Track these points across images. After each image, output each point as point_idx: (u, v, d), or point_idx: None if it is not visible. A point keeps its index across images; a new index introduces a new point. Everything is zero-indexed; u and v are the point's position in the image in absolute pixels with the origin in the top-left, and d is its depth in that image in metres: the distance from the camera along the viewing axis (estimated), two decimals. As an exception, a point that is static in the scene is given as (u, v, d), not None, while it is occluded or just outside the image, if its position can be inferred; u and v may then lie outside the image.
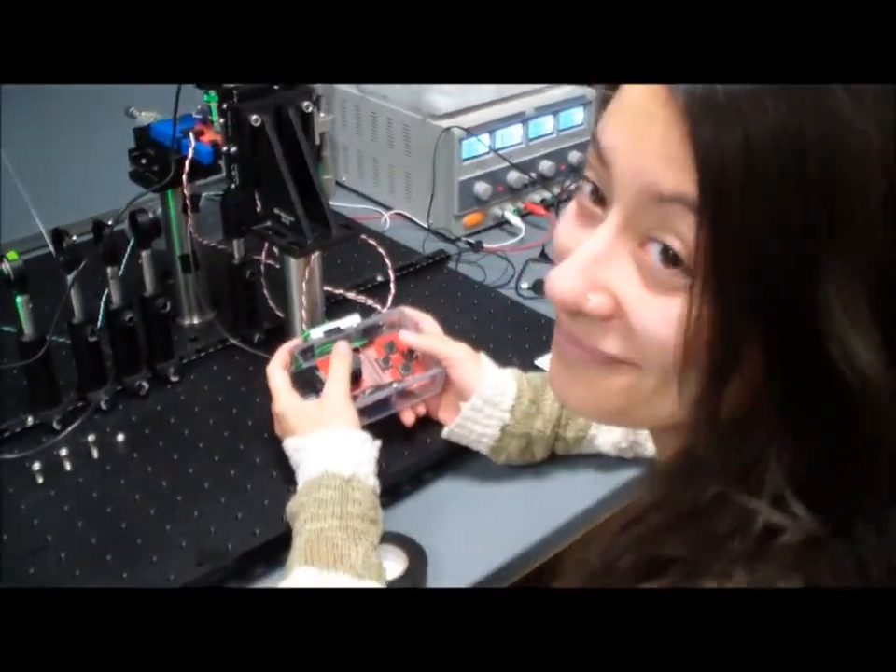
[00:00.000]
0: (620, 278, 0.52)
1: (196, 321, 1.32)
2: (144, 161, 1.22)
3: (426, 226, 1.58)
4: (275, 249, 1.18)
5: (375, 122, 1.62)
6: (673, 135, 0.48)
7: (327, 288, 1.34)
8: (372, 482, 0.96)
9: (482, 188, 1.53)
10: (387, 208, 1.65)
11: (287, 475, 1.02)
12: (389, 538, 0.98)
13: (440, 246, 1.52)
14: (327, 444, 0.97)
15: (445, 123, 1.48)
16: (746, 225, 0.46)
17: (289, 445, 1.01)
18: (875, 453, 0.48)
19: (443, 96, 1.48)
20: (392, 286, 1.35)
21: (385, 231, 1.59)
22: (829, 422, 0.49)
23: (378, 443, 1.00)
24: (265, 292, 1.30)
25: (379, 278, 1.39)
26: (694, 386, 0.51)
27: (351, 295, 1.36)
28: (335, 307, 1.34)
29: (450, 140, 1.48)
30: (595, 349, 0.55)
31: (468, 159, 1.50)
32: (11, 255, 1.04)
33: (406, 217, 1.62)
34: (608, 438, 1.08)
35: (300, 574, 0.86)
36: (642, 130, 0.50)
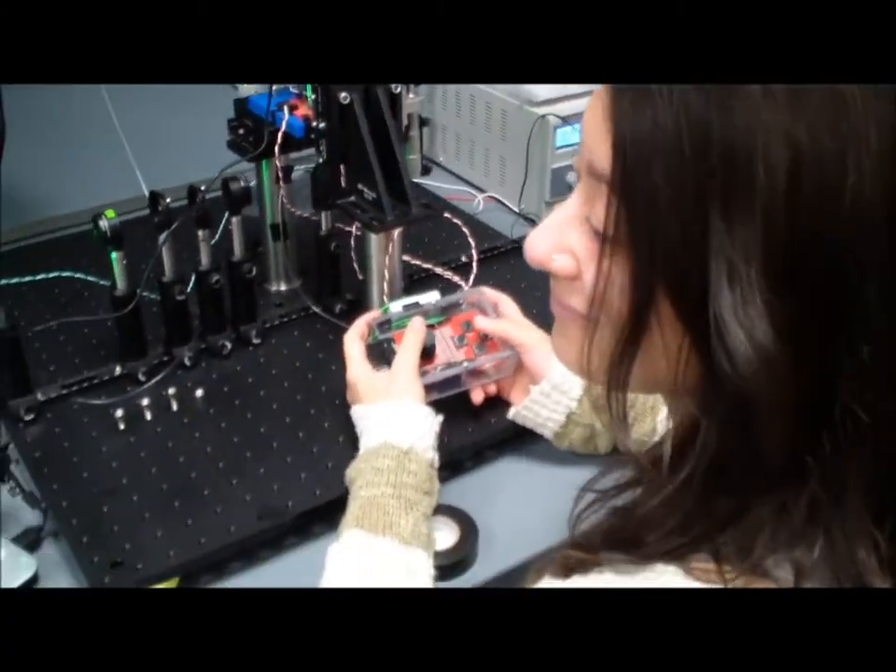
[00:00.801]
0: (578, 242, 0.57)
1: (282, 288, 1.37)
2: (241, 132, 1.26)
3: (517, 210, 1.60)
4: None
5: (474, 106, 1.64)
6: (605, 115, 0.52)
7: (414, 262, 1.37)
8: (430, 455, 0.98)
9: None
10: (481, 190, 1.67)
11: (352, 441, 1.05)
12: (444, 510, 1.00)
13: (529, 231, 1.53)
14: (389, 415, 1.00)
15: (542, 111, 1.49)
16: (649, 197, 0.50)
17: (355, 413, 1.04)
18: (758, 435, 0.50)
19: (541, 84, 1.49)
20: (475, 266, 1.37)
21: (477, 213, 1.61)
22: (720, 398, 0.51)
23: (440, 418, 1.02)
24: (354, 265, 1.34)
25: (464, 258, 1.41)
26: (609, 347, 0.55)
27: (437, 271, 1.38)
28: (419, 282, 1.37)
29: (545, 127, 1.49)
30: (568, 305, 0.60)
31: (561, 147, 1.51)
32: (109, 213, 1.10)
33: (498, 201, 1.64)
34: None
35: (349, 536, 0.89)
36: (592, 109, 0.54)
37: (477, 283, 1.34)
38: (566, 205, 0.59)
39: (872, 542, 0.52)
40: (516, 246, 1.47)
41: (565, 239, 0.58)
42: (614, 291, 0.54)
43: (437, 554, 0.94)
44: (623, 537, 0.59)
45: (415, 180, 1.37)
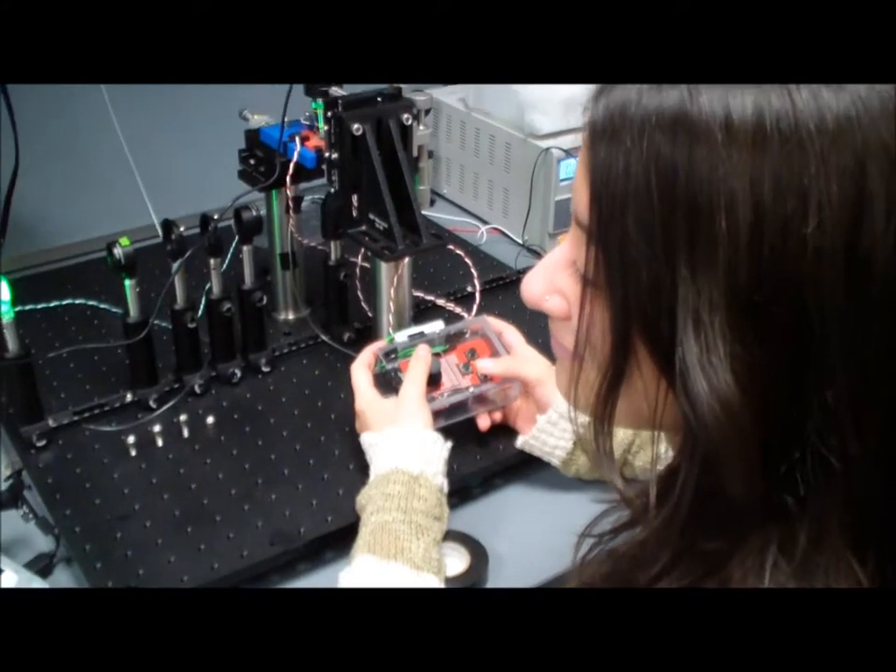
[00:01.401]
0: (567, 285, 0.61)
1: (291, 317, 1.39)
2: (252, 162, 1.28)
3: (520, 242, 1.62)
4: (368, 252, 1.23)
5: (478, 138, 1.67)
6: (582, 162, 0.55)
7: (417, 294, 1.39)
8: (440, 481, 0.99)
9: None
10: (485, 222, 1.70)
11: (362, 468, 1.06)
12: (454, 536, 1.01)
13: (532, 263, 1.55)
14: (399, 442, 1.01)
15: (545, 144, 1.52)
16: (622, 245, 0.52)
17: (365, 440, 1.06)
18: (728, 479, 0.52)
19: (544, 117, 1.52)
20: (478, 296, 1.39)
21: (481, 244, 1.63)
22: (694, 442, 0.53)
23: (449, 444, 1.03)
24: (359, 294, 1.35)
25: (468, 289, 1.43)
26: (594, 385, 0.58)
27: (440, 302, 1.40)
28: (424, 313, 1.38)
29: (549, 160, 1.52)
30: (563, 345, 0.63)
31: (565, 179, 1.53)
32: (123, 241, 1.11)
33: (502, 233, 1.66)
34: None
35: (361, 561, 0.90)
36: (580, 157, 0.57)
37: (481, 313, 1.36)
38: (559, 249, 0.62)
39: (854, 580, 0.53)
40: (520, 277, 1.48)
41: (557, 281, 0.62)
42: (596, 332, 0.57)
43: (447, 580, 0.95)
44: (620, 579, 0.61)
45: (427, 205, 1.39)
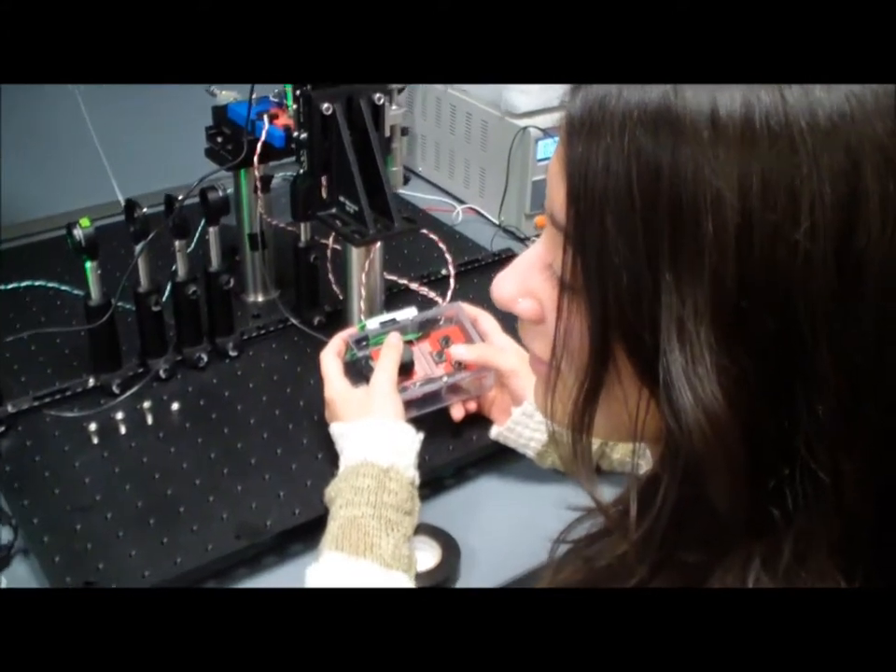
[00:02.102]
0: (542, 288, 0.57)
1: (260, 299, 1.35)
2: (219, 140, 1.25)
3: (497, 222, 1.59)
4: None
5: (455, 116, 1.63)
6: (559, 158, 0.52)
7: (390, 278, 1.36)
8: (411, 473, 0.97)
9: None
10: (461, 202, 1.66)
11: (331, 459, 1.04)
12: (425, 529, 0.99)
13: (508, 244, 1.53)
14: (369, 433, 0.98)
15: (523, 122, 1.48)
16: (601, 247, 0.49)
17: (334, 430, 1.03)
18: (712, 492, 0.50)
19: (522, 95, 1.48)
20: (452, 281, 1.36)
21: (456, 224, 1.60)
22: (676, 454, 0.50)
23: (421, 436, 1.01)
24: (329, 276, 1.32)
25: (443, 272, 1.40)
26: (571, 394, 0.55)
27: (413, 286, 1.37)
28: (397, 297, 1.35)
29: (526, 139, 1.48)
30: (532, 352, 0.61)
31: (542, 160, 1.50)
32: (83, 221, 1.07)
33: (478, 213, 1.63)
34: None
35: (329, 558, 0.88)
36: (555, 156, 0.53)
37: (456, 297, 1.33)
38: (532, 250, 0.59)
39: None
40: (496, 259, 1.46)
41: (530, 283, 0.58)
42: (574, 339, 0.54)
43: (418, 576, 0.92)
44: (595, 588, 0.59)
45: (400, 187, 1.36)
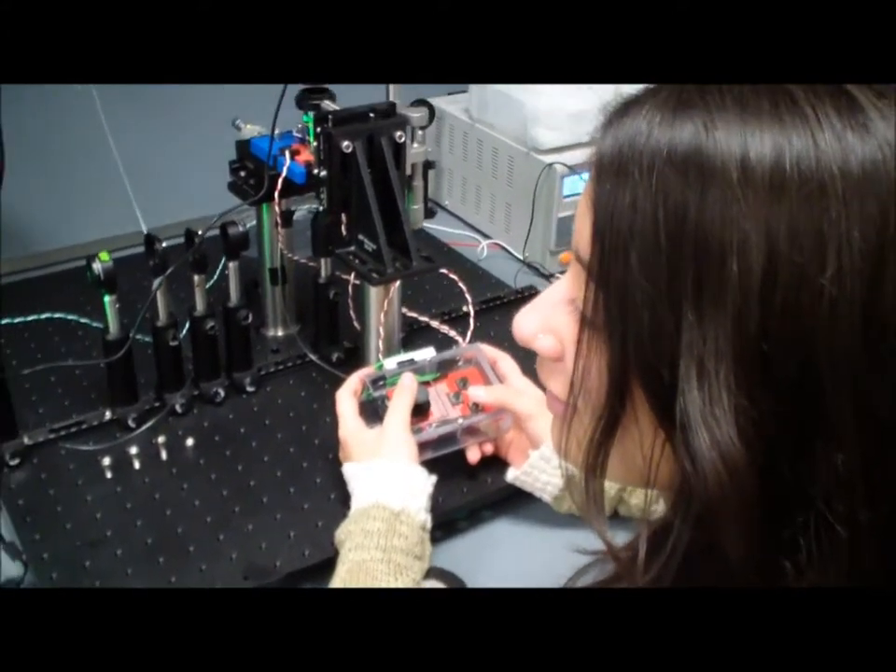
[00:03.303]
0: (564, 325, 0.57)
1: (280, 333, 1.35)
2: (242, 174, 1.24)
3: (521, 258, 1.58)
4: (357, 273, 1.19)
5: (481, 151, 1.62)
6: (587, 195, 0.52)
7: (411, 314, 1.35)
8: (423, 517, 0.96)
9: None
10: (486, 236, 1.66)
11: (344, 499, 1.02)
12: (435, 573, 0.97)
13: (532, 281, 1.52)
14: (381, 475, 0.97)
15: (549, 159, 1.48)
16: (624, 285, 0.49)
17: (346, 471, 1.02)
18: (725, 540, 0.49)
19: (549, 131, 1.48)
20: (472, 320, 1.35)
21: (481, 259, 1.59)
22: (690, 500, 0.49)
23: (433, 478, 0.99)
24: (350, 312, 1.31)
25: (464, 309, 1.39)
26: (586, 434, 0.54)
27: (434, 324, 1.36)
28: (416, 333, 1.34)
29: (552, 176, 1.47)
30: (549, 390, 0.60)
31: (568, 196, 1.49)
32: (103, 255, 1.07)
33: (503, 248, 1.62)
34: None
35: (336, 603, 0.87)
36: (583, 193, 0.53)
37: (476, 335, 1.32)
38: (556, 286, 0.58)
39: None
40: (518, 297, 1.44)
41: (552, 320, 0.58)
42: (592, 377, 0.53)
43: (426, 623, 0.91)
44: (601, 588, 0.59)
45: (420, 225, 1.35)
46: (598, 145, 0.51)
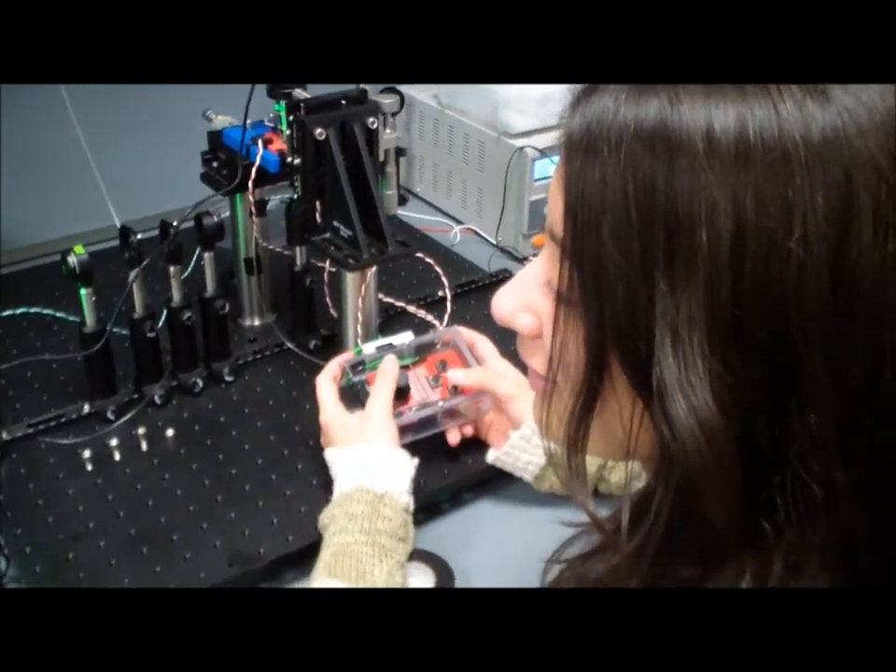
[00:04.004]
0: (541, 303, 0.58)
1: (256, 323, 1.35)
2: (215, 165, 1.24)
3: (494, 242, 1.59)
4: (333, 260, 1.19)
5: (452, 136, 1.63)
6: (558, 174, 0.53)
7: (387, 300, 1.35)
8: (406, 499, 0.96)
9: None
10: (459, 222, 1.66)
11: (326, 484, 1.03)
12: (420, 555, 0.98)
13: (506, 264, 1.52)
14: (363, 459, 0.98)
15: (519, 143, 1.48)
16: (597, 259, 0.50)
17: (328, 456, 1.02)
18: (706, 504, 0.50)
19: (518, 115, 1.48)
20: (449, 304, 1.36)
21: (454, 245, 1.60)
22: (671, 467, 0.50)
23: (416, 461, 1.00)
24: (327, 300, 1.32)
25: (440, 293, 1.40)
26: (567, 409, 0.55)
27: (410, 308, 1.37)
28: (394, 319, 1.35)
29: (523, 159, 1.48)
30: (531, 368, 0.61)
31: (539, 179, 1.50)
32: (78, 248, 1.07)
33: (476, 233, 1.63)
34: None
35: (321, 585, 0.87)
36: (555, 172, 0.54)
37: (453, 319, 1.33)
38: (532, 266, 0.59)
39: None
40: (493, 280, 1.45)
41: (529, 298, 0.59)
42: (570, 352, 0.54)
43: (412, 603, 0.92)
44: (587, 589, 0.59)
45: (394, 210, 1.35)
46: (567, 124, 0.52)
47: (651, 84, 0.48)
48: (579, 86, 0.53)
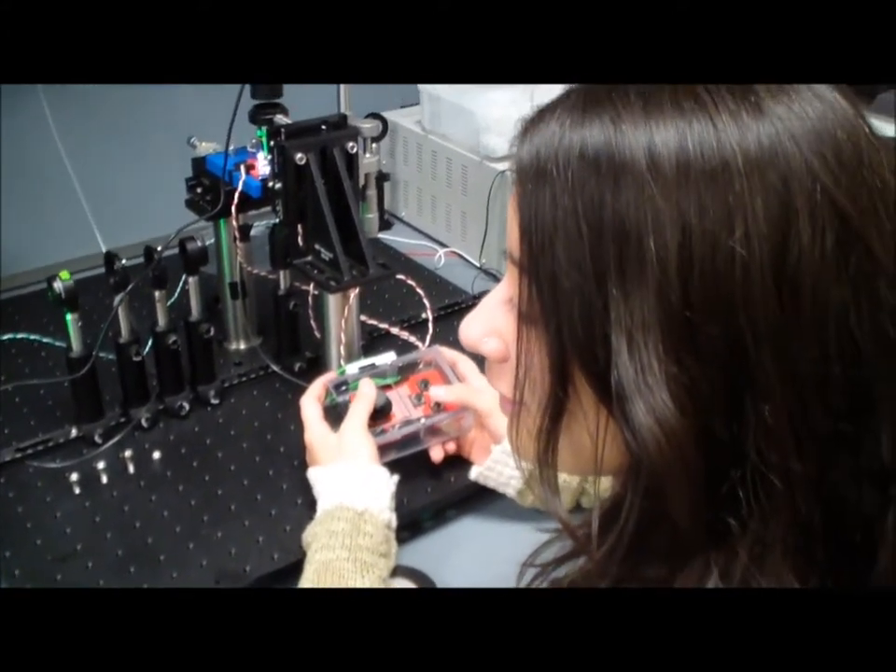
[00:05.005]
0: (506, 325, 0.59)
1: (242, 346, 1.36)
2: (199, 191, 1.26)
3: (478, 265, 1.61)
4: (316, 283, 1.21)
5: (435, 161, 1.65)
6: (513, 202, 0.55)
7: (371, 322, 1.37)
8: (387, 516, 0.98)
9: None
10: (443, 245, 1.68)
11: (310, 503, 1.04)
12: (403, 571, 0.99)
13: (489, 286, 1.53)
14: (343, 477, 0.99)
15: (501, 166, 1.51)
16: (553, 275, 0.51)
17: (311, 475, 1.04)
18: (672, 504, 0.51)
19: (500, 138, 1.51)
20: (430, 325, 1.38)
21: (438, 268, 1.62)
22: (637, 473, 0.52)
23: (396, 478, 1.01)
24: (311, 322, 1.34)
25: (423, 315, 1.42)
26: (535, 427, 0.57)
27: (394, 331, 1.38)
28: (377, 341, 1.37)
29: (505, 183, 1.50)
30: (500, 392, 0.63)
31: (521, 202, 1.51)
32: (63, 274, 1.09)
33: (460, 256, 1.65)
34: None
35: (305, 602, 0.88)
36: (511, 197, 0.56)
37: (435, 340, 1.35)
38: (495, 290, 0.61)
39: None
40: (475, 302, 1.46)
41: (495, 322, 0.61)
42: (535, 368, 0.56)
43: (394, 619, 0.93)
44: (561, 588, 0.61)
45: (377, 235, 1.38)
46: (518, 152, 0.54)
47: (598, 103, 0.51)
48: (526, 116, 0.55)
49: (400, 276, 1.37)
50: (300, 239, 1.16)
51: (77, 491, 1.10)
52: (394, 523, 0.99)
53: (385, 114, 1.29)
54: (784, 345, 0.49)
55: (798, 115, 0.49)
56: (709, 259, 0.48)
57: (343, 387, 1.13)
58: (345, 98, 1.21)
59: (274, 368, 1.29)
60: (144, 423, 1.19)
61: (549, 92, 0.56)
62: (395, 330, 1.39)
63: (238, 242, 1.26)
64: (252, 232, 1.31)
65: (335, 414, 1.10)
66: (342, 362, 1.21)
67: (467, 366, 1.14)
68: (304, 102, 1.18)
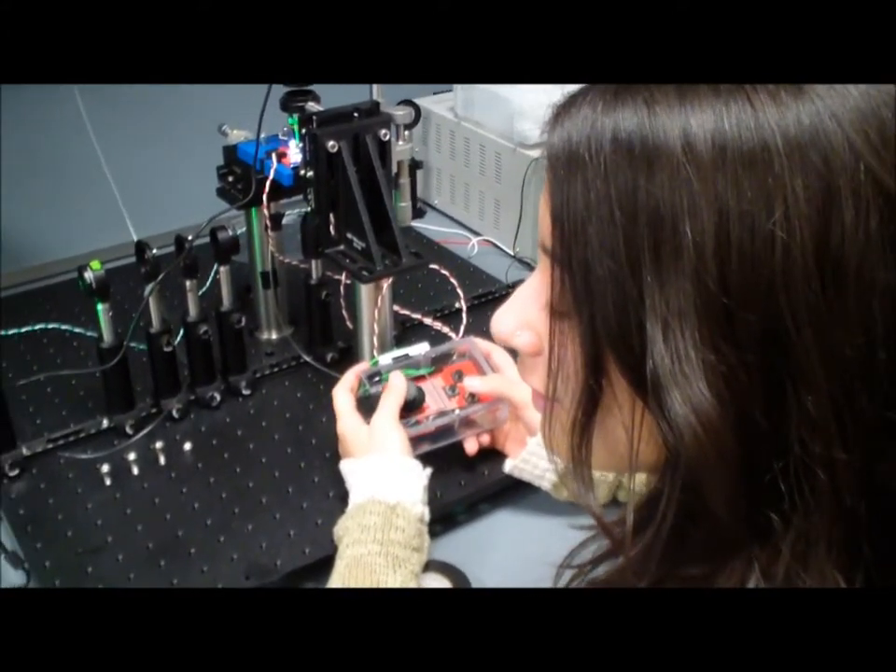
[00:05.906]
0: (538, 318, 0.57)
1: (273, 336, 1.35)
2: (230, 179, 1.25)
3: (512, 253, 1.59)
4: (348, 272, 1.19)
5: (468, 148, 1.63)
6: (545, 190, 0.53)
7: (403, 312, 1.36)
8: (419, 510, 0.96)
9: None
10: (476, 234, 1.66)
11: (342, 496, 1.03)
12: (435, 566, 0.98)
13: (523, 275, 1.52)
14: (375, 470, 0.98)
15: (535, 153, 1.48)
16: (586, 264, 0.50)
17: (343, 468, 1.02)
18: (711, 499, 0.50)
19: (534, 125, 1.48)
20: (464, 316, 1.36)
21: (472, 256, 1.60)
22: (674, 467, 0.50)
23: (428, 471, 1.00)
24: (343, 312, 1.32)
25: (457, 305, 1.40)
26: (567, 416, 0.55)
27: (427, 321, 1.37)
28: (410, 331, 1.35)
29: (539, 170, 1.48)
30: (532, 387, 0.60)
31: (556, 190, 1.49)
32: (94, 264, 1.08)
33: (493, 244, 1.63)
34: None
35: (336, 597, 0.87)
36: (545, 187, 0.54)
37: (469, 330, 1.33)
38: (527, 283, 0.59)
39: None
40: (509, 291, 1.44)
41: (527, 315, 0.58)
42: (568, 362, 0.54)
43: (427, 614, 0.91)
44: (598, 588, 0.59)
45: (410, 223, 1.36)
46: (549, 138, 0.52)
47: (630, 86, 0.49)
48: (557, 101, 0.53)
49: (433, 265, 1.36)
50: (332, 228, 1.15)
51: (108, 482, 1.09)
52: (427, 516, 0.97)
53: (418, 101, 1.27)
54: (827, 330, 0.47)
55: (840, 93, 0.47)
56: (748, 243, 0.46)
57: (377, 378, 1.11)
58: (378, 85, 1.19)
59: (306, 358, 1.28)
60: (175, 414, 1.18)
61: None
62: (428, 320, 1.37)
63: (269, 231, 1.24)
64: (284, 221, 1.30)
65: (368, 405, 1.08)
66: (374, 353, 1.20)
67: (501, 357, 1.13)
68: (336, 89, 1.15)
